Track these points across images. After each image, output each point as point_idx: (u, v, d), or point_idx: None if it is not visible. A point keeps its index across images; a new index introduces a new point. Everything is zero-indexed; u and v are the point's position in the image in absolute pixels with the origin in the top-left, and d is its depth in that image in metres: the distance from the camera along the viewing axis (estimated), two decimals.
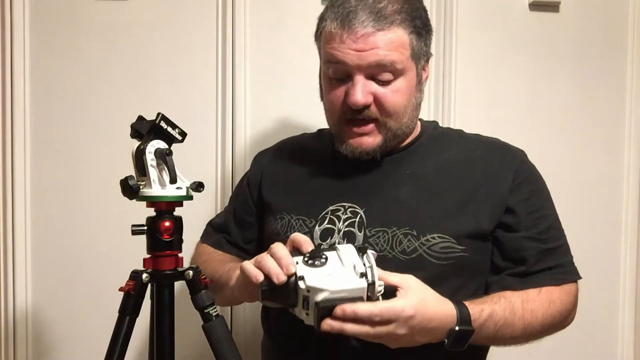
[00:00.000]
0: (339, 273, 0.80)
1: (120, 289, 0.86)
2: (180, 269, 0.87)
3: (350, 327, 0.78)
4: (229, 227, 1.17)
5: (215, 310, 0.87)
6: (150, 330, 0.88)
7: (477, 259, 0.99)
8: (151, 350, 0.87)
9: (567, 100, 1.51)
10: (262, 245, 1.12)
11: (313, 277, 0.79)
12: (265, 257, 0.83)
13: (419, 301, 0.82)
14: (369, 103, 0.96)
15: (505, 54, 1.48)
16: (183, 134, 0.89)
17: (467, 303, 0.88)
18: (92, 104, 1.38)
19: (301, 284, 0.79)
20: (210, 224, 1.23)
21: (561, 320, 0.99)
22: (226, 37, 1.40)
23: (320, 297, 0.78)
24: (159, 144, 0.86)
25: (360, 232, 0.98)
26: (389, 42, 0.94)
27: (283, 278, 0.79)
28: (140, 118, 0.90)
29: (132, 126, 0.89)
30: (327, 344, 0.93)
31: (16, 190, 1.36)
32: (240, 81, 1.40)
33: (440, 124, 1.18)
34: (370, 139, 0.99)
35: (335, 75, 0.98)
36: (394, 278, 0.83)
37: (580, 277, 1.02)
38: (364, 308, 0.78)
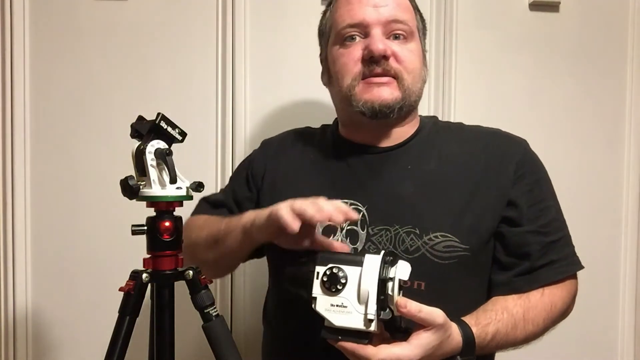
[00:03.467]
0: (350, 308, 0.79)
1: (120, 289, 0.86)
2: (180, 269, 0.87)
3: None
4: (230, 205, 1.15)
5: (215, 310, 0.87)
6: (150, 330, 0.88)
7: (480, 257, 0.99)
8: (151, 350, 0.87)
9: (567, 100, 1.51)
10: None
11: (323, 304, 0.80)
12: (305, 204, 0.82)
13: (427, 351, 0.80)
14: (389, 53, 0.98)
15: (505, 54, 1.48)
16: (183, 134, 0.89)
17: (473, 326, 0.88)
18: (92, 104, 1.38)
19: (314, 304, 0.81)
20: (205, 200, 1.18)
21: (561, 317, 1.00)
22: (226, 37, 1.40)
23: (325, 322, 0.80)
24: (159, 144, 0.86)
25: (362, 230, 0.98)
26: (400, 2, 1.02)
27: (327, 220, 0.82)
28: (140, 118, 0.90)
29: (132, 126, 0.89)
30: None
31: (16, 190, 1.36)
32: (240, 81, 1.40)
33: None
34: (389, 90, 0.99)
35: (351, 35, 1.01)
36: (421, 315, 0.79)
37: (582, 267, 1.02)
38: (363, 353, 0.78)
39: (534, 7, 1.48)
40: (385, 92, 0.99)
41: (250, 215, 0.94)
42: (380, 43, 0.98)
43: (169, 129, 0.87)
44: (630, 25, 1.52)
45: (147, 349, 0.89)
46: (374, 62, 0.98)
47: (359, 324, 0.78)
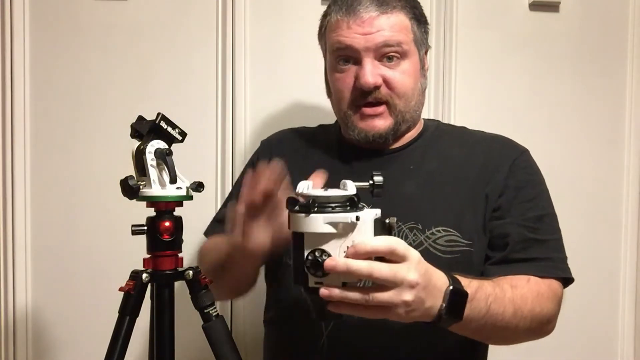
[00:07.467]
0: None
1: (120, 289, 0.86)
2: (180, 269, 0.87)
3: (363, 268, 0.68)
4: None
5: (215, 310, 0.87)
6: (150, 330, 0.88)
7: (481, 254, 0.98)
8: (151, 350, 0.87)
9: (566, 100, 1.51)
10: None
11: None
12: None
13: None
14: (379, 84, 0.99)
15: (505, 54, 1.48)
16: (183, 134, 0.89)
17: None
18: (92, 104, 1.38)
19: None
20: (214, 219, 1.18)
21: (547, 319, 0.93)
22: (226, 37, 1.40)
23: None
24: (159, 144, 0.86)
25: None
26: (393, 24, 0.99)
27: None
28: (140, 118, 0.90)
29: (132, 126, 0.89)
30: (334, 341, 0.93)
31: (16, 190, 1.36)
32: (240, 81, 1.40)
33: None
34: (381, 121, 1.01)
35: (343, 58, 1.01)
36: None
37: (572, 278, 0.98)
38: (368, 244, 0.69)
39: (534, 7, 1.48)
40: (379, 123, 1.01)
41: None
42: (369, 76, 0.97)
43: (169, 129, 0.87)
44: (630, 25, 1.52)
45: (147, 349, 0.90)
46: (365, 93, 1.00)
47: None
